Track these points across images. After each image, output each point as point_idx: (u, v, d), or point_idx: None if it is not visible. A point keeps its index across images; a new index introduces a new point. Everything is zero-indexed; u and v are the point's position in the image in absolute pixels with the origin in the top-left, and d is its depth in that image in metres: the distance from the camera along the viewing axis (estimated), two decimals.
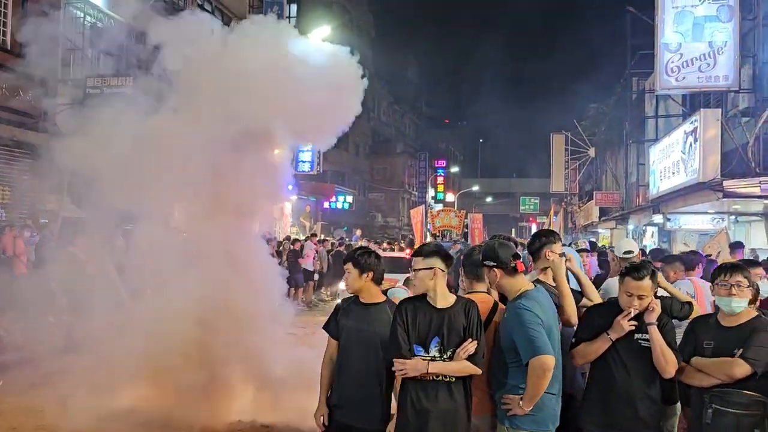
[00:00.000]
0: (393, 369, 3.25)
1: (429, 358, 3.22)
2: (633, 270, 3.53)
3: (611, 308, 3.63)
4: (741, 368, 3.34)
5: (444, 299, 3.32)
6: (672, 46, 14.89)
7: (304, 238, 18.57)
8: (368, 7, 47.25)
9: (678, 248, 17.37)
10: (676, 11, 14.87)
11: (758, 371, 3.31)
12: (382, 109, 52.06)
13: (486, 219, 38.71)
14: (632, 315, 3.47)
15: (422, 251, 3.44)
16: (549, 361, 3.21)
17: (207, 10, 21.11)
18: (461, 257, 4.00)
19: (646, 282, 3.46)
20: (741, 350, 3.37)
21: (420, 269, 3.35)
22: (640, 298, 3.45)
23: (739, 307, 3.45)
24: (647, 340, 3.44)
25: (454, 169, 64.33)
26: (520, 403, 3.27)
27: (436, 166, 59.12)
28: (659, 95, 18.18)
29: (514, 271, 3.40)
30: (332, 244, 19.25)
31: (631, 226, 25.76)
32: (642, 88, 24.47)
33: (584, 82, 72.59)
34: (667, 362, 3.40)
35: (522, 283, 3.46)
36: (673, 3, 14.92)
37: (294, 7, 25.91)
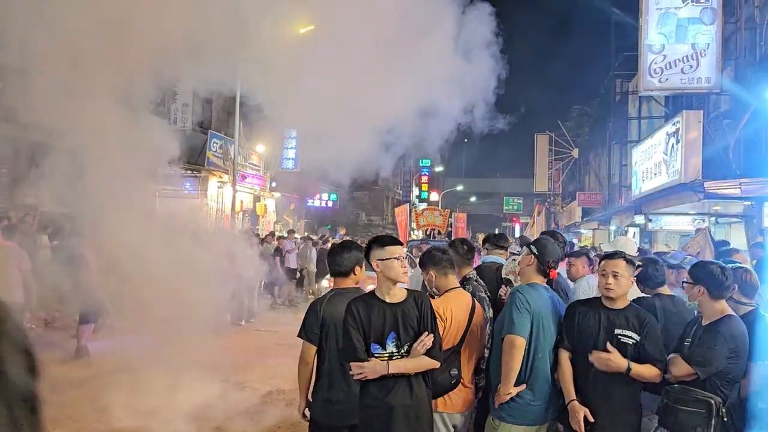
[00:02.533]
0: (351, 373, 3.15)
1: (386, 354, 3.14)
2: (608, 254, 3.65)
3: (593, 303, 3.62)
4: (680, 367, 3.38)
5: (397, 294, 3.26)
6: (655, 48, 14.98)
7: (285, 233, 18.43)
8: None
9: (660, 249, 17.50)
10: (659, 13, 14.96)
11: (702, 376, 3.32)
12: None
13: (470, 218, 38.85)
14: (609, 295, 3.51)
15: (391, 241, 3.37)
16: (516, 341, 3.42)
17: None
18: (434, 253, 3.93)
19: (620, 261, 3.50)
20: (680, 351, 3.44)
21: (390, 258, 3.26)
22: (614, 276, 3.47)
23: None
24: (628, 336, 3.42)
25: (439, 169, 64.41)
26: (500, 389, 3.39)
27: (421, 165, 59.15)
28: (642, 96, 18.30)
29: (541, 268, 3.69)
30: (314, 242, 19.10)
31: (613, 227, 25.91)
32: (625, 90, 24.66)
33: (569, 83, 73.14)
34: (651, 377, 3.42)
35: (533, 277, 3.70)
36: (657, 4, 15.00)
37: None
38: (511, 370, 3.44)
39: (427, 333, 3.17)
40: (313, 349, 3.62)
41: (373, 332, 3.15)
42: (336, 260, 3.69)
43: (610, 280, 3.50)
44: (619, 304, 3.52)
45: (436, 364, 3.23)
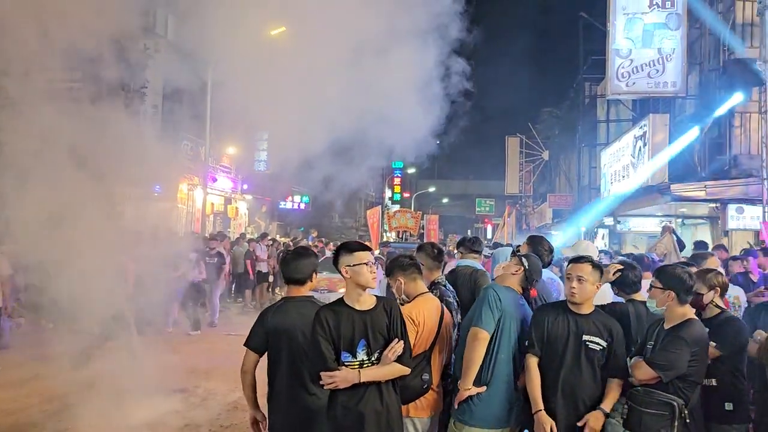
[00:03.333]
0: (321, 383, 3.10)
1: (357, 362, 3.12)
2: (574, 258, 3.70)
3: (559, 307, 3.64)
4: (643, 371, 3.43)
5: (367, 300, 3.23)
6: (623, 52, 15.23)
7: (257, 237, 18.26)
8: None
9: (628, 250, 17.78)
10: (627, 18, 15.22)
11: (665, 380, 3.37)
12: None
13: (442, 220, 39.02)
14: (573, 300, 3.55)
15: (359, 247, 3.34)
16: (480, 334, 3.48)
17: (162, 5, 20.64)
18: (401, 259, 3.91)
19: (586, 266, 3.55)
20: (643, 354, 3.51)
21: (359, 264, 3.23)
22: (579, 280, 3.51)
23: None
24: (596, 342, 3.45)
25: (411, 170, 64.58)
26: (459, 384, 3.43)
27: (393, 167, 59.24)
28: (610, 100, 18.60)
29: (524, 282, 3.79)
30: (285, 244, 18.97)
31: (583, 229, 26.25)
32: (594, 93, 25.02)
33: (539, 86, 74.10)
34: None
35: (514, 285, 3.77)
36: (624, 10, 15.26)
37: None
38: (471, 362, 3.46)
39: (397, 340, 3.15)
40: (253, 356, 3.54)
41: (342, 340, 3.12)
42: (290, 268, 3.61)
43: (574, 284, 3.54)
44: (585, 309, 3.55)
45: (407, 371, 3.22)
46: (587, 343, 3.46)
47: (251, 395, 3.60)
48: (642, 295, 4.09)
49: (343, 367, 3.10)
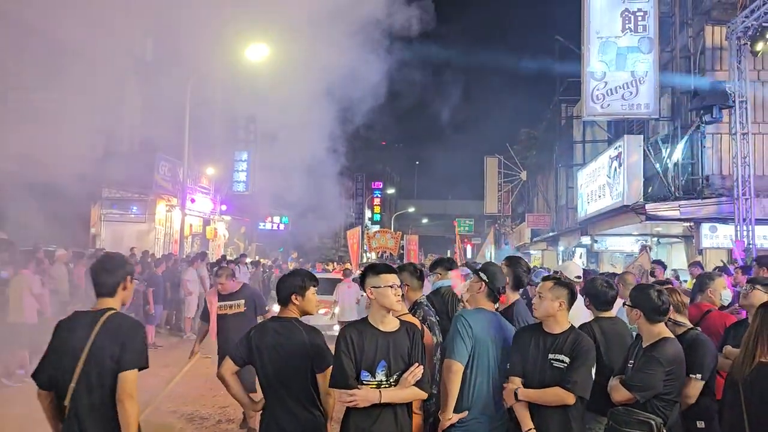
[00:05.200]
0: (340, 400, 3.13)
1: (375, 382, 3.14)
2: (543, 276, 3.81)
3: (535, 329, 3.66)
4: (620, 393, 3.46)
5: (390, 322, 3.28)
6: (597, 75, 15.54)
7: (234, 259, 18.13)
8: None
9: (606, 269, 17.99)
10: (600, 41, 15.55)
11: (641, 400, 3.41)
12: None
13: (422, 240, 39.06)
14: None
15: (386, 269, 3.36)
16: (454, 366, 3.47)
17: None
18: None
19: (546, 283, 3.62)
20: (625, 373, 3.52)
21: (384, 286, 3.25)
22: (539, 296, 3.58)
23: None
24: (560, 360, 3.45)
25: (391, 191, 64.78)
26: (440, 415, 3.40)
27: (373, 187, 59.43)
28: (586, 121, 18.89)
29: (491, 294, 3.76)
30: (264, 266, 18.87)
31: (561, 248, 26.51)
32: (570, 114, 25.42)
33: (517, 108, 75.05)
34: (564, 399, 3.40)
35: (482, 302, 3.75)
36: (598, 33, 15.60)
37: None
38: (449, 394, 3.45)
39: (417, 364, 3.18)
40: (230, 362, 3.51)
41: (364, 359, 3.15)
42: (277, 288, 3.66)
43: (535, 300, 3.63)
44: (557, 329, 3.54)
45: (425, 395, 3.25)
46: (552, 361, 3.45)
47: (238, 392, 3.56)
48: (612, 313, 4.15)
49: (362, 385, 3.12)
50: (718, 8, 14.62)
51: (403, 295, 3.93)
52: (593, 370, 3.42)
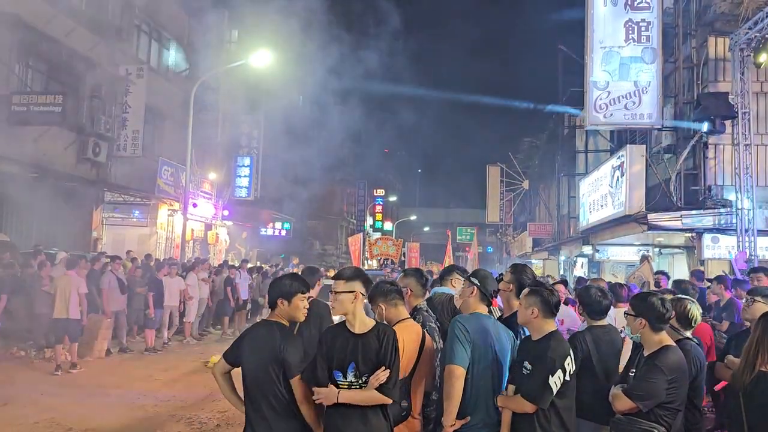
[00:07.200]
0: (313, 398, 3.25)
1: (347, 383, 3.22)
2: None
3: (528, 337, 3.67)
4: (622, 402, 3.45)
5: (362, 324, 3.33)
6: (600, 84, 15.56)
7: (237, 264, 18.13)
8: None
9: (607, 278, 17.95)
10: (603, 51, 15.57)
11: (644, 409, 3.40)
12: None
13: (423, 248, 39.06)
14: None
15: (343, 274, 3.45)
16: (455, 371, 3.44)
17: (145, 32, 20.74)
18: (382, 285, 3.91)
19: (524, 291, 3.66)
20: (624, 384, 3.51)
21: (341, 292, 3.36)
22: (519, 304, 3.65)
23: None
24: (525, 368, 3.45)
25: (393, 198, 64.78)
26: (442, 421, 3.40)
27: (375, 194, 59.44)
28: (589, 131, 18.90)
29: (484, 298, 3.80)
30: (263, 273, 18.85)
31: (562, 257, 26.48)
32: (573, 124, 25.43)
33: (520, 117, 75.17)
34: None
35: (476, 307, 3.76)
36: (602, 43, 15.62)
37: (236, 33, 25.78)
38: (451, 400, 3.44)
39: (383, 368, 3.20)
40: (222, 362, 3.55)
41: (336, 360, 3.25)
42: (267, 290, 3.72)
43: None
44: (536, 335, 3.55)
45: (387, 401, 3.23)
46: (523, 368, 3.47)
47: (226, 391, 3.58)
48: (604, 321, 4.14)
49: (331, 385, 3.21)
50: (722, 20, 14.67)
51: (404, 299, 3.97)
52: (552, 379, 3.34)
